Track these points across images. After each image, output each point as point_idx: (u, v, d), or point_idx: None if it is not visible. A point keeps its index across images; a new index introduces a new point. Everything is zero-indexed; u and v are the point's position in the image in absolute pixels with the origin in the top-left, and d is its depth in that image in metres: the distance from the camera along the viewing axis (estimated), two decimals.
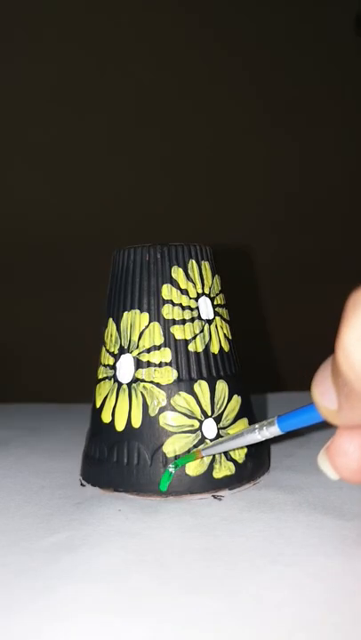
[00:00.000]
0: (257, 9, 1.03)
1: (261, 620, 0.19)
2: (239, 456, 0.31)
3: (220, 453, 0.31)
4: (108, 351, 0.33)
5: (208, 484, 0.30)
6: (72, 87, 0.97)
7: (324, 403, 0.20)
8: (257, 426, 0.26)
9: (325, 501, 0.29)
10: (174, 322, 0.31)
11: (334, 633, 0.18)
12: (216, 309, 0.33)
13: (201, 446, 0.30)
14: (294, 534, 0.25)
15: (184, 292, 0.32)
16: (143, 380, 0.31)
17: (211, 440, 0.30)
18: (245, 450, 0.32)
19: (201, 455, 0.29)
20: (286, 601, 0.20)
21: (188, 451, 0.30)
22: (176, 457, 0.30)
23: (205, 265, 0.33)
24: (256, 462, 0.32)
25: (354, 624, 0.19)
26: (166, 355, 0.31)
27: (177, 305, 0.31)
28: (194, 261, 0.32)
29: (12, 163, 0.97)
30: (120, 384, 0.31)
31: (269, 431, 0.25)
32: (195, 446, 0.30)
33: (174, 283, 0.31)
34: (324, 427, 0.43)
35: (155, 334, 0.31)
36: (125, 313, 0.32)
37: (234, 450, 0.31)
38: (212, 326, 0.32)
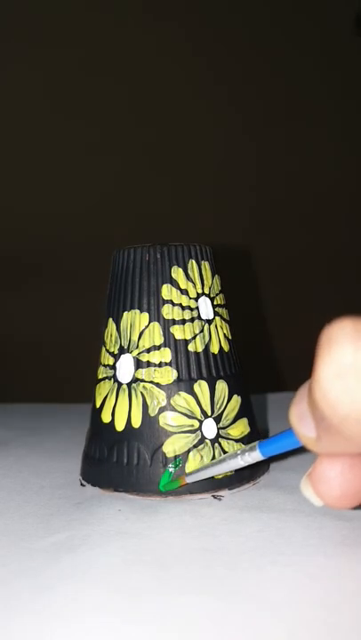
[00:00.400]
0: (256, 9, 1.03)
1: (261, 620, 0.19)
2: None
3: (221, 453, 0.31)
4: (107, 351, 0.33)
5: (208, 484, 0.30)
6: (72, 87, 0.97)
7: (303, 431, 0.20)
8: (239, 452, 0.26)
9: None
10: (174, 322, 0.31)
11: (334, 633, 0.18)
12: (216, 309, 0.33)
13: (187, 473, 0.29)
14: (294, 534, 0.25)
15: (184, 291, 0.32)
16: (143, 380, 0.31)
17: (210, 440, 0.30)
18: None
19: (185, 482, 0.29)
20: (286, 601, 0.20)
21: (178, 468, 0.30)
22: (176, 457, 0.30)
23: (205, 265, 0.33)
24: (256, 462, 0.32)
25: (354, 624, 0.19)
26: (166, 355, 0.31)
27: (177, 305, 0.31)
28: (194, 261, 0.32)
29: (11, 163, 0.97)
30: (120, 384, 0.31)
31: (251, 457, 0.25)
32: (194, 446, 0.30)
33: (174, 283, 0.31)
34: None
35: (155, 334, 0.31)
36: (125, 313, 0.32)
37: (236, 445, 0.31)
38: (212, 326, 0.32)
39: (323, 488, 0.21)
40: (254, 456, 0.25)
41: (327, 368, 0.17)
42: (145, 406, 0.31)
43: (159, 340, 0.31)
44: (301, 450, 0.38)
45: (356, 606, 0.20)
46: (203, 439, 0.30)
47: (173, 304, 0.31)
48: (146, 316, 0.31)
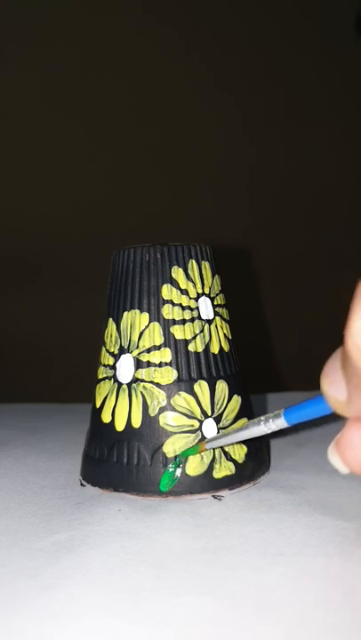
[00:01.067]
0: (256, 8, 1.03)
1: (261, 620, 0.19)
2: (239, 456, 0.31)
3: (221, 453, 0.31)
4: (107, 351, 0.33)
5: (208, 484, 0.30)
6: (72, 88, 0.97)
7: (334, 393, 0.20)
8: (263, 418, 0.25)
9: (325, 502, 0.29)
10: (174, 322, 0.31)
11: (334, 633, 0.18)
12: (216, 309, 0.33)
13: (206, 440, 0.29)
14: (294, 534, 0.25)
15: (184, 291, 0.32)
16: (143, 380, 0.31)
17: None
18: (245, 450, 0.32)
19: (205, 448, 0.29)
20: (286, 601, 0.20)
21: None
22: (176, 457, 0.30)
23: (205, 265, 0.33)
24: (256, 462, 0.32)
25: (354, 624, 0.19)
26: (166, 355, 0.31)
27: (177, 305, 0.31)
28: (194, 261, 0.32)
29: (11, 163, 0.97)
30: (120, 384, 0.31)
31: (276, 424, 0.24)
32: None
33: (174, 283, 0.31)
34: (325, 426, 0.43)
35: (155, 334, 0.31)
36: (125, 313, 0.32)
37: (235, 445, 0.31)
38: (212, 326, 0.32)
39: (350, 454, 0.21)
40: (279, 423, 0.24)
41: (360, 320, 0.17)
42: (145, 406, 0.31)
43: (159, 339, 0.31)
44: (302, 450, 0.39)
45: (356, 606, 0.20)
46: (203, 439, 0.30)
47: (173, 304, 0.31)
48: (146, 315, 0.31)
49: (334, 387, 0.20)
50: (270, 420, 0.24)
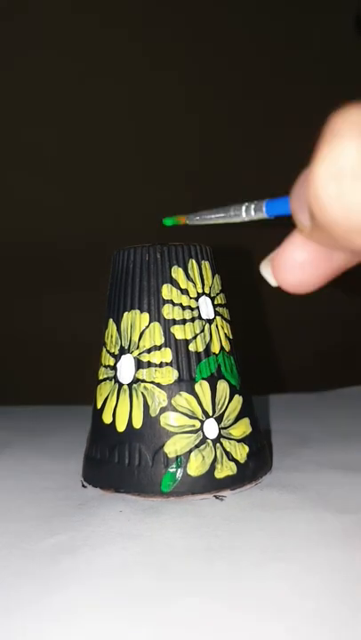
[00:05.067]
0: (256, 8, 1.03)
1: (263, 616, 0.19)
2: (241, 456, 0.31)
3: (222, 453, 0.30)
4: (108, 352, 0.33)
5: (210, 484, 0.30)
6: (72, 88, 0.97)
7: (299, 217, 0.18)
8: (245, 204, 0.24)
9: (327, 497, 0.29)
10: (175, 322, 0.31)
11: (335, 623, 0.18)
12: (216, 309, 0.33)
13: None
14: (296, 530, 0.25)
15: (184, 291, 0.31)
16: (144, 381, 0.31)
17: (212, 440, 0.30)
18: (247, 450, 0.32)
19: (185, 222, 0.28)
20: (287, 595, 0.20)
21: None
22: (177, 457, 0.30)
23: (205, 265, 0.33)
24: (258, 462, 0.32)
25: (355, 613, 0.19)
26: (167, 355, 0.31)
27: (177, 305, 0.31)
28: (194, 261, 0.32)
29: (11, 163, 0.97)
30: (121, 385, 0.31)
31: (256, 214, 0.23)
32: (196, 446, 0.30)
33: (174, 283, 0.31)
34: (325, 426, 0.43)
35: (155, 334, 0.31)
36: (125, 313, 0.32)
37: (237, 445, 0.31)
38: (213, 326, 0.32)
39: (287, 273, 0.20)
40: (259, 214, 0.23)
41: (324, 166, 0.15)
42: (146, 407, 0.30)
43: (160, 340, 0.31)
44: (303, 449, 0.38)
45: (357, 594, 0.20)
46: (204, 439, 0.30)
47: (174, 304, 0.31)
48: (146, 316, 0.31)
49: (300, 212, 0.18)
50: (252, 207, 0.23)
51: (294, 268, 0.19)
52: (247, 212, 0.24)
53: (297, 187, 0.18)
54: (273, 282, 0.21)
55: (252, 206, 0.23)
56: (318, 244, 0.18)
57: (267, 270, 0.21)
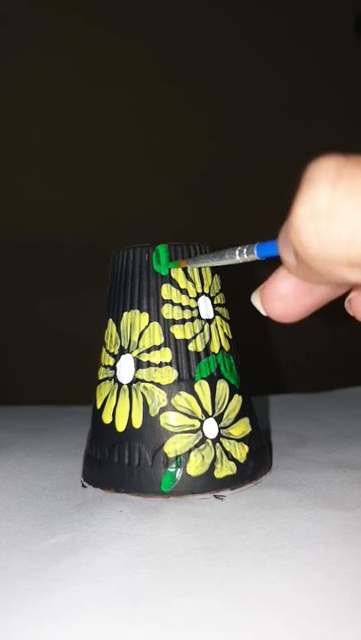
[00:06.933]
0: (256, 8, 1.03)
1: (262, 613, 0.19)
2: (241, 456, 0.31)
3: (222, 453, 0.30)
4: (108, 352, 0.33)
5: (210, 483, 0.30)
6: (72, 88, 0.97)
7: (286, 257, 0.20)
8: (238, 248, 0.26)
9: (327, 495, 0.29)
10: (174, 321, 0.31)
11: (335, 619, 0.18)
12: (216, 309, 0.33)
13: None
14: (296, 528, 0.25)
15: (184, 291, 0.31)
16: (143, 381, 0.31)
17: (212, 440, 0.30)
18: (247, 449, 0.32)
19: (185, 265, 0.30)
20: (287, 591, 0.20)
21: None
22: (177, 457, 0.30)
23: None
24: (258, 462, 0.32)
25: (355, 608, 0.19)
26: (166, 354, 0.31)
27: (177, 304, 0.31)
28: None
29: (11, 163, 0.97)
30: (120, 384, 0.31)
31: (249, 256, 0.25)
32: (196, 446, 0.30)
33: (174, 282, 0.31)
34: (325, 426, 0.43)
35: (155, 334, 0.31)
36: (125, 313, 0.32)
37: (237, 445, 0.31)
38: (213, 326, 0.32)
39: (273, 304, 0.22)
40: (251, 256, 0.25)
41: (302, 208, 0.17)
42: (146, 406, 0.30)
43: (159, 339, 0.31)
44: (303, 449, 0.38)
45: (357, 591, 0.20)
46: (204, 439, 0.30)
47: (173, 304, 0.31)
48: (146, 316, 0.31)
49: (286, 251, 0.20)
50: (245, 251, 0.26)
51: (279, 300, 0.22)
52: (240, 255, 0.26)
53: (283, 231, 0.21)
54: (262, 311, 0.23)
55: (245, 250, 0.26)
56: (304, 280, 0.21)
57: (256, 301, 0.23)
